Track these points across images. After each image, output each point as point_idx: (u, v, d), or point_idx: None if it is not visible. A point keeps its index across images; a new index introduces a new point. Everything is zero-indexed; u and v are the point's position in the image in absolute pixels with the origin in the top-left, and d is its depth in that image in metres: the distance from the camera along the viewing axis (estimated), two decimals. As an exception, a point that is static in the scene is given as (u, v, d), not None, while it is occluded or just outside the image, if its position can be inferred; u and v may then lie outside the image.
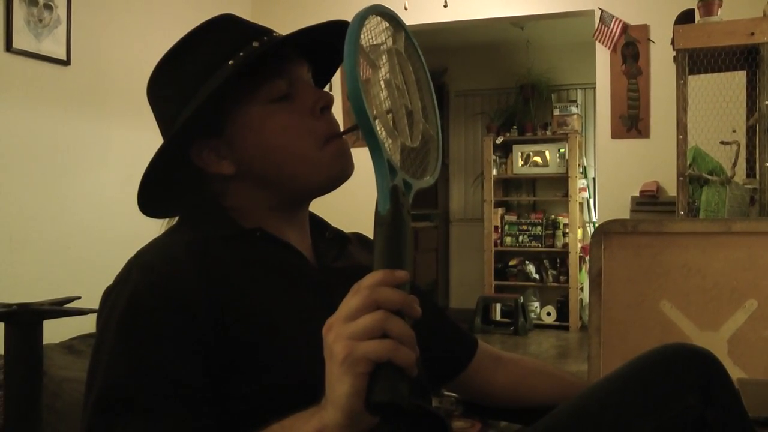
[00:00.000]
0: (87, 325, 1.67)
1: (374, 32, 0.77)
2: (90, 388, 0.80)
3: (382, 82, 0.77)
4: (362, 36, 0.72)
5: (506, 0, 4.71)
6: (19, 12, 3.28)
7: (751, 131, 2.80)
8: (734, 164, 2.70)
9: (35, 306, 1.92)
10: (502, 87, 6.76)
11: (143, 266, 0.84)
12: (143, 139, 1.72)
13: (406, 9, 4.09)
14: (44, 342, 1.95)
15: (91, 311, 0.90)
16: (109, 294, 0.85)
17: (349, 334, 0.63)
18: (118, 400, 0.77)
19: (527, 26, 5.95)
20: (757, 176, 2.58)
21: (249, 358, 0.81)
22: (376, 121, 0.72)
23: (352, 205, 2.97)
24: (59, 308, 1.97)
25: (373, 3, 0.80)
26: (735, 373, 1.48)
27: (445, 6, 4.33)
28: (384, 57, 0.78)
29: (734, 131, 2.94)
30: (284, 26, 1.06)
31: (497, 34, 6.30)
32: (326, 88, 1.04)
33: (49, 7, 3.44)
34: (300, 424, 0.68)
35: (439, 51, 6.46)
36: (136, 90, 1.01)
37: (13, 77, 3.29)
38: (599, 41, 4.44)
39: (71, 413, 2.08)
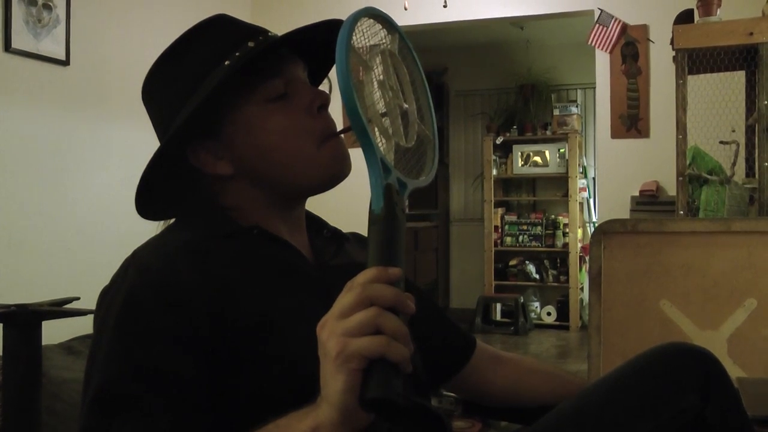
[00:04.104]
0: (86, 325, 1.67)
1: (367, 34, 0.77)
2: (87, 387, 0.80)
3: (375, 83, 0.77)
4: (354, 38, 0.72)
5: (506, 0, 4.71)
6: (18, 12, 3.28)
7: (750, 131, 2.80)
8: (733, 164, 2.70)
9: (34, 307, 1.92)
10: (502, 87, 6.76)
11: (139, 265, 0.84)
12: (142, 139, 1.72)
13: (405, 9, 4.09)
14: (43, 343, 1.95)
15: (90, 312, 0.90)
16: (105, 294, 0.86)
17: (343, 330, 0.63)
18: (114, 399, 0.76)
19: (527, 26, 5.95)
20: (757, 176, 2.58)
21: (246, 356, 0.81)
22: (370, 122, 0.72)
23: (350, 206, 2.96)
24: (58, 309, 1.97)
25: (368, 4, 0.80)
26: (735, 372, 1.48)
27: (445, 6, 4.32)
28: (377, 58, 0.78)
29: (733, 131, 2.94)
30: (283, 26, 1.06)
31: (497, 34, 6.30)
32: (326, 89, 1.04)
33: (48, 7, 3.44)
34: (295, 422, 0.68)
35: (439, 51, 6.46)
36: (136, 90, 1.01)
37: (12, 77, 3.29)
38: (595, 45, 4.42)
39: (71, 414, 2.08)
